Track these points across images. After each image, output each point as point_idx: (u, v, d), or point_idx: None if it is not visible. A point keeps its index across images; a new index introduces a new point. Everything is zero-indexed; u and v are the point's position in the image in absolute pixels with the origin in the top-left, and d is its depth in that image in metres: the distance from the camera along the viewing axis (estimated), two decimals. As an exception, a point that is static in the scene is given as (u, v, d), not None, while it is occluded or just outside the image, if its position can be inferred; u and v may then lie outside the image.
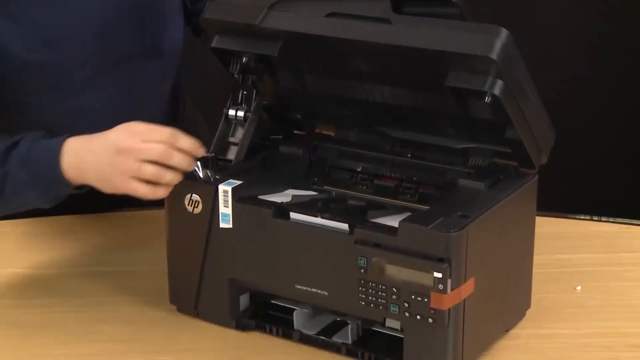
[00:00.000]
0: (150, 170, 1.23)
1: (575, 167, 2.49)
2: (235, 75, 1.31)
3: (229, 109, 1.31)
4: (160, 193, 1.25)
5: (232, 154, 1.31)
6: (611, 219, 1.55)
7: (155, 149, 1.23)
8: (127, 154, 1.23)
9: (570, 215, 1.57)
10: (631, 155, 2.58)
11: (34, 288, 1.40)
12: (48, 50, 1.42)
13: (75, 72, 1.45)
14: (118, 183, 1.24)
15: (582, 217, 1.57)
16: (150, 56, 1.53)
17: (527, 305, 1.30)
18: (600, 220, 1.56)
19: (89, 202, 1.41)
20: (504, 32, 1.15)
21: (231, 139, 1.32)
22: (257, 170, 1.30)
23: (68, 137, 1.29)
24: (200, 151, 1.27)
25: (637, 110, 2.56)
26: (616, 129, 2.58)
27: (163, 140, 1.24)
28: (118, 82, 1.50)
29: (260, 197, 1.25)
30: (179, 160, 1.24)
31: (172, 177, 1.24)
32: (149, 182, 1.24)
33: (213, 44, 1.31)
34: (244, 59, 1.30)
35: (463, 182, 1.24)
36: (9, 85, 1.42)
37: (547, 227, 1.47)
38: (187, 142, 1.25)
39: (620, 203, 2.31)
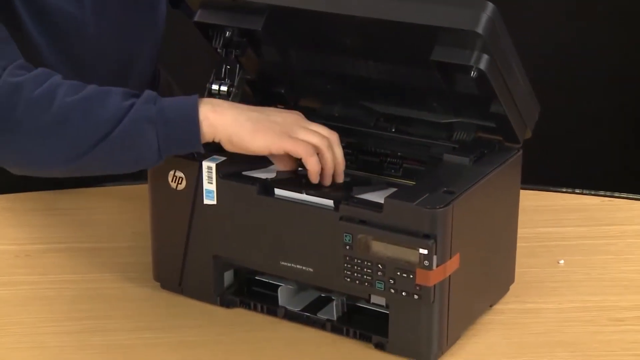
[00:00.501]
0: (318, 137, 1.21)
1: (557, 140, 2.50)
2: (219, 50, 1.30)
3: (212, 84, 1.30)
4: (314, 160, 1.20)
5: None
6: (593, 192, 1.56)
7: (322, 132, 1.22)
8: (294, 119, 1.22)
9: (551, 189, 1.57)
10: (613, 128, 2.60)
11: (15, 264, 1.38)
12: (52, 31, 1.41)
13: (75, 50, 1.45)
14: (278, 136, 1.20)
15: (564, 190, 1.57)
16: (145, 31, 1.53)
17: (511, 280, 1.31)
18: (582, 193, 1.56)
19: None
20: (490, 6, 1.14)
21: (215, 114, 1.31)
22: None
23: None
24: (341, 174, 1.24)
25: (620, 85, 2.57)
26: (599, 103, 2.59)
27: (327, 134, 1.22)
28: (116, 56, 1.50)
29: (244, 173, 1.24)
30: (330, 158, 1.21)
31: (331, 156, 1.21)
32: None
33: (195, 18, 1.29)
34: (227, 33, 1.29)
35: (448, 157, 1.23)
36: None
37: (529, 201, 1.47)
38: (340, 153, 1.23)
39: (601, 176, 2.32)
